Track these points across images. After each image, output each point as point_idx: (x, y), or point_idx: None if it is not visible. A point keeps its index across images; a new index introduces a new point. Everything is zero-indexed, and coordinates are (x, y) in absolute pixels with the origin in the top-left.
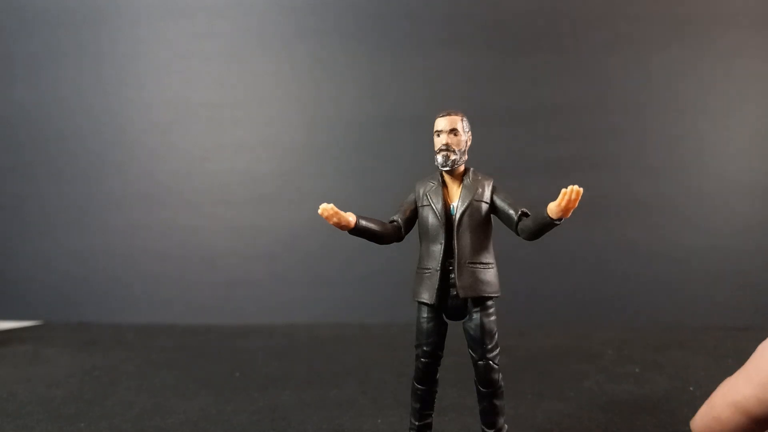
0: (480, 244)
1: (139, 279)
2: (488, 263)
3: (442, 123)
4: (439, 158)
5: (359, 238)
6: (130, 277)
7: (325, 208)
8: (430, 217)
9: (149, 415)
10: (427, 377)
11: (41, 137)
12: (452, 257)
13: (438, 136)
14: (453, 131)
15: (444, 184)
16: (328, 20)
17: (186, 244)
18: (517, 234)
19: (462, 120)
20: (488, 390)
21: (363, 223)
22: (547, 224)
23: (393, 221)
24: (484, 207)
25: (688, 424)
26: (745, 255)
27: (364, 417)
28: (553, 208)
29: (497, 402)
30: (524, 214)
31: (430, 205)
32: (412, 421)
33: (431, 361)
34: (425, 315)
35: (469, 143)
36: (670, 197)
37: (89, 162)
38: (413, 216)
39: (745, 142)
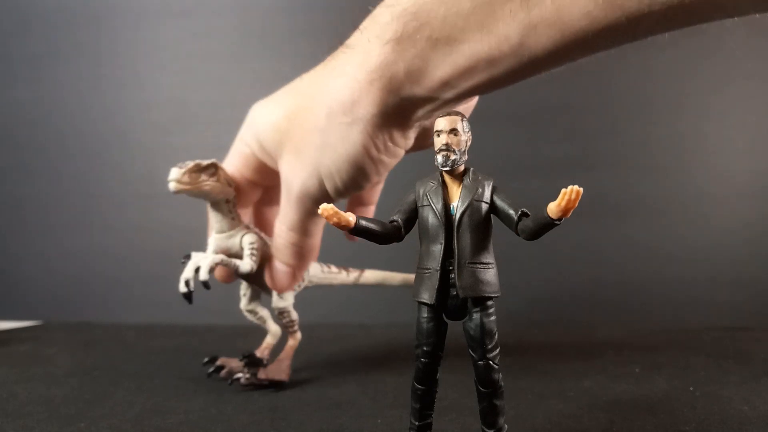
0: (480, 244)
1: (139, 279)
2: (488, 263)
3: (442, 123)
4: (439, 158)
5: (359, 238)
6: (130, 277)
7: (325, 208)
8: (430, 217)
9: (149, 415)
10: (427, 377)
11: (41, 137)
12: (452, 257)
13: (438, 136)
14: (453, 131)
15: (444, 184)
16: (328, 20)
17: (186, 244)
18: (517, 234)
19: (462, 120)
20: (488, 390)
21: (363, 222)
22: (547, 224)
23: (393, 221)
24: (484, 207)
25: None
26: (745, 255)
27: (364, 417)
28: (553, 208)
29: (497, 402)
30: (524, 214)
31: (430, 205)
32: (412, 421)
33: (431, 361)
34: (425, 315)
35: (469, 143)
36: (671, 197)
37: (89, 162)
38: (413, 216)
39: (747, 142)
